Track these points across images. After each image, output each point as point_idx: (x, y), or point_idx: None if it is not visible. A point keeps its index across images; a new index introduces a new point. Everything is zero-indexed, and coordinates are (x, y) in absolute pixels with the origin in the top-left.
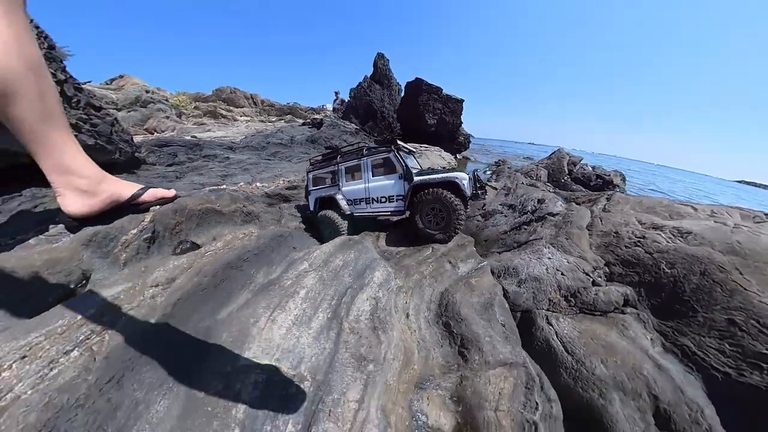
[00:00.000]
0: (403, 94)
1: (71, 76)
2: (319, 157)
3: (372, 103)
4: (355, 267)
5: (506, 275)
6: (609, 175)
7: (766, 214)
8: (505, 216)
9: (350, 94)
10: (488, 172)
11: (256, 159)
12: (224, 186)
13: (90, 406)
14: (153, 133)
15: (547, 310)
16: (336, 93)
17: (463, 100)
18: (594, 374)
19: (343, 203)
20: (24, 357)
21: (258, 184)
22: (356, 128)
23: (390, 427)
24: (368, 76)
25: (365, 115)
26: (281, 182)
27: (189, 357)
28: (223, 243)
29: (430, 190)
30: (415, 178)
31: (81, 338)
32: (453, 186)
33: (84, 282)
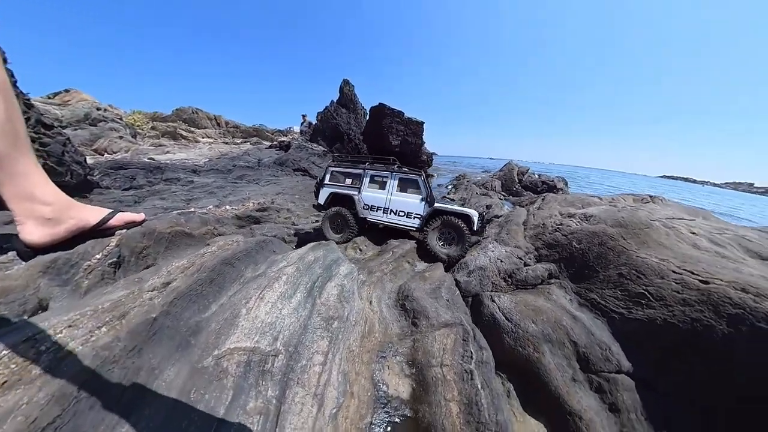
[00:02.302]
0: (368, 117)
1: (21, 91)
2: (345, 156)
3: (339, 126)
4: (324, 262)
5: (459, 270)
6: (553, 181)
7: (650, 196)
8: None
9: (317, 117)
10: (449, 187)
11: (222, 182)
12: (193, 209)
13: (122, 363)
14: (103, 154)
15: (491, 291)
16: (303, 116)
17: (423, 122)
18: (528, 332)
19: (359, 206)
20: (71, 326)
21: (228, 207)
22: (324, 150)
23: (353, 397)
24: (335, 100)
25: (332, 137)
26: (251, 204)
27: (189, 340)
28: (217, 247)
29: (449, 217)
30: (435, 205)
31: (107, 320)
32: (466, 218)
33: (41, 312)
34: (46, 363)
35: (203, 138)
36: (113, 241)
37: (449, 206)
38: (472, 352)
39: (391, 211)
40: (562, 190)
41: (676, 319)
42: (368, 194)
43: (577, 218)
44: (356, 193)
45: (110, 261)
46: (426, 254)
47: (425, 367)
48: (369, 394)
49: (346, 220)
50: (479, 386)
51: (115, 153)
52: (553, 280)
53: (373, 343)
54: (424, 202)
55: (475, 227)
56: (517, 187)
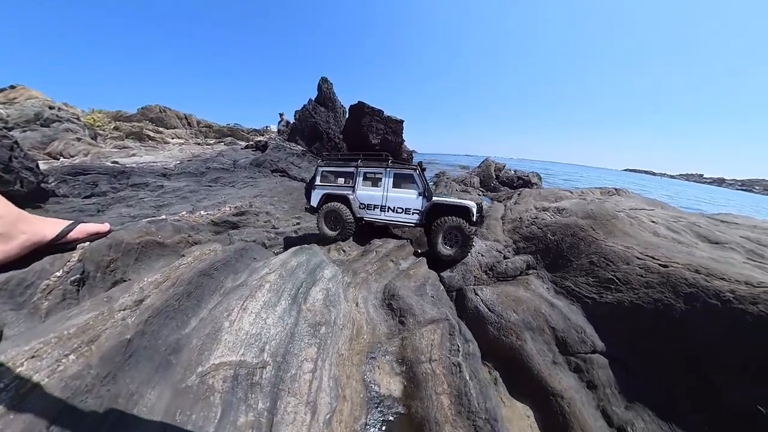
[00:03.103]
0: (347, 116)
1: None
2: (335, 154)
3: (317, 125)
4: (308, 266)
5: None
6: (528, 176)
7: (616, 189)
8: None
9: (295, 116)
10: (430, 184)
11: (195, 186)
12: (164, 216)
13: (96, 392)
14: (59, 159)
15: (474, 284)
16: (281, 115)
17: (402, 121)
18: (510, 321)
19: (355, 206)
20: (33, 357)
21: (202, 213)
22: (303, 150)
23: (346, 400)
24: (313, 99)
25: (311, 136)
26: (227, 209)
27: (170, 359)
28: (193, 257)
29: (451, 218)
30: (434, 198)
31: (74, 347)
32: (465, 212)
33: None
34: (7, 401)
35: (173, 139)
36: (75, 255)
37: (447, 199)
38: (458, 346)
39: (388, 208)
40: (536, 184)
41: (641, 300)
42: (363, 192)
43: (551, 211)
44: (350, 192)
45: (73, 278)
46: (408, 251)
47: (415, 364)
48: (361, 395)
49: (344, 219)
50: (467, 377)
51: (72, 157)
52: (531, 271)
53: (362, 345)
54: (421, 197)
55: (474, 219)
56: (494, 182)
